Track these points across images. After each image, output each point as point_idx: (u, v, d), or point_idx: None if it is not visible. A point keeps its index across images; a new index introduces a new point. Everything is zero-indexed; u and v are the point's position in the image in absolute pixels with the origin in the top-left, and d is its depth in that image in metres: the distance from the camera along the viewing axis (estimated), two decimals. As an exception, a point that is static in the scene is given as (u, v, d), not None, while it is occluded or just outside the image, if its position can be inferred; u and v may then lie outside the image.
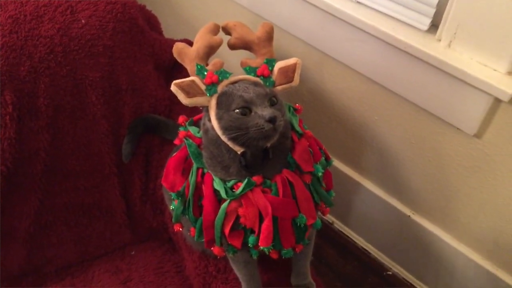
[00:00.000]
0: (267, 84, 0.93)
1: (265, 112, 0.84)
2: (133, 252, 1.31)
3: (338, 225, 1.68)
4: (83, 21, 1.19)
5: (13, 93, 1.12)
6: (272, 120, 0.83)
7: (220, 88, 0.90)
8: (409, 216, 1.40)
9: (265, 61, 0.94)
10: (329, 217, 1.69)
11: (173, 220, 1.01)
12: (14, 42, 1.13)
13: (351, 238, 1.65)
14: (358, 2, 1.13)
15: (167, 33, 1.46)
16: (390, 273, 1.57)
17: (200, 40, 0.93)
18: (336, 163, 1.49)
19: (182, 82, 0.88)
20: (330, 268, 1.59)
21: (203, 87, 0.89)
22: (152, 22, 1.38)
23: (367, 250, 1.62)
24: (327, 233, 1.66)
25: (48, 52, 1.15)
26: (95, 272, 1.26)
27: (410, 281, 1.54)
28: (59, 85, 1.17)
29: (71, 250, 1.28)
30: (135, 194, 1.31)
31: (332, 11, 1.16)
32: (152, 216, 1.31)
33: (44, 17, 1.16)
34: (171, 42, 1.36)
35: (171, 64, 1.39)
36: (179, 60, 0.94)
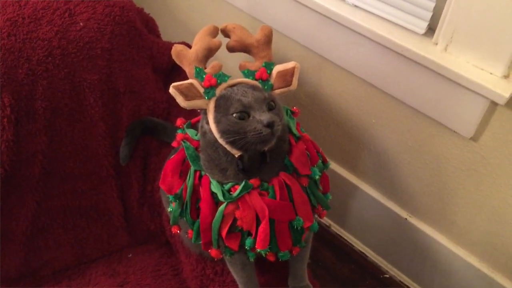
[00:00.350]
0: (265, 87, 0.93)
1: (263, 117, 0.85)
2: (130, 255, 1.30)
3: (335, 228, 1.68)
4: (81, 23, 1.19)
5: (11, 96, 1.12)
6: (270, 125, 0.84)
7: (218, 91, 0.90)
8: (406, 219, 1.40)
9: (263, 64, 0.95)
10: (326, 220, 1.69)
11: (170, 222, 1.01)
12: (12, 44, 1.13)
13: (348, 241, 1.66)
14: (356, 6, 1.14)
15: (165, 36, 1.47)
16: (387, 276, 1.58)
17: (199, 42, 0.93)
18: (334, 166, 1.50)
19: (181, 84, 0.88)
20: (327, 271, 1.59)
21: (201, 90, 0.90)
22: (150, 25, 1.39)
23: (364, 253, 1.63)
24: (324, 236, 1.66)
25: (46, 54, 1.15)
26: (92, 274, 1.26)
27: (407, 284, 1.54)
28: (57, 88, 1.17)
29: (68, 252, 1.27)
30: (133, 196, 1.31)
31: (329, 14, 1.16)
32: (150, 219, 1.31)
33: (42, 20, 1.17)
34: (169, 45, 1.36)
35: (169, 67, 1.39)
36: (177, 62, 0.94)
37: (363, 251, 1.63)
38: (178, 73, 1.36)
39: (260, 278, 1.10)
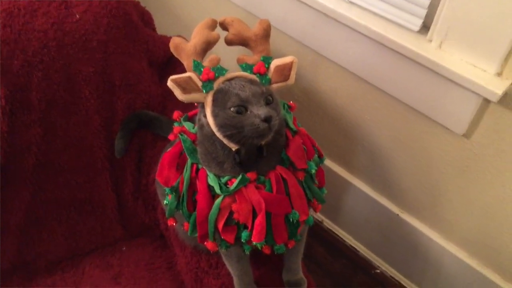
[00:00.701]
0: (263, 81, 0.93)
1: (261, 111, 0.85)
2: (124, 248, 1.30)
3: (328, 223, 1.69)
4: (77, 16, 1.19)
5: (5, 87, 1.12)
6: (267, 119, 0.84)
7: (216, 84, 0.90)
8: (398, 214, 1.42)
9: (261, 58, 0.94)
10: (319, 216, 1.70)
11: (166, 215, 1.01)
12: (8, 35, 1.12)
13: (340, 237, 1.67)
14: (351, 2, 1.15)
15: (160, 30, 1.46)
16: (378, 271, 1.59)
17: (198, 36, 0.93)
18: (327, 161, 1.51)
19: (179, 77, 0.88)
20: (319, 266, 1.61)
21: (199, 83, 0.90)
22: (145, 18, 1.38)
23: (355, 248, 1.64)
24: (316, 231, 1.67)
25: (42, 46, 1.15)
26: (86, 267, 1.26)
27: (398, 279, 1.56)
28: (52, 80, 1.17)
29: (62, 245, 1.27)
30: (127, 190, 1.31)
31: (325, 10, 1.17)
32: (144, 212, 1.31)
33: (38, 11, 1.16)
34: (165, 38, 1.36)
35: (165, 61, 1.38)
36: (175, 55, 0.94)
37: (354, 246, 1.64)
38: (173, 67, 1.35)
39: (255, 271, 1.11)
